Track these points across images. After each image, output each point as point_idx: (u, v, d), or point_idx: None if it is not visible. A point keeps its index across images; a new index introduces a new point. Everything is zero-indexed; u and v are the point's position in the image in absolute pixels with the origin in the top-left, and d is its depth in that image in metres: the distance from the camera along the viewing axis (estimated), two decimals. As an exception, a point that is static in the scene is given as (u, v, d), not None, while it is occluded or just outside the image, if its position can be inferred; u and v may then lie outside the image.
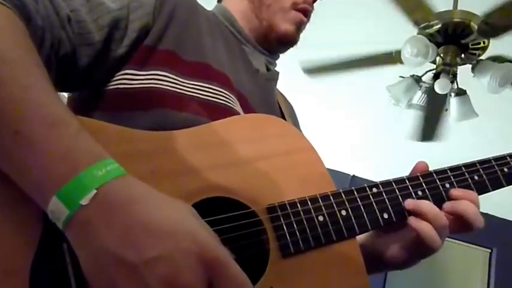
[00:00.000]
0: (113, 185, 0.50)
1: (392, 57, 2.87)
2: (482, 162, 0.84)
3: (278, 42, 0.97)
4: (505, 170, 0.84)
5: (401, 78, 2.96)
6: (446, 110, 3.10)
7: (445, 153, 3.54)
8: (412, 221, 0.76)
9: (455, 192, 0.79)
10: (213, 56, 0.84)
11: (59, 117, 0.52)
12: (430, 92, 2.98)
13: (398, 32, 2.71)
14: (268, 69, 0.99)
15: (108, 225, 0.47)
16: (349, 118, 4.11)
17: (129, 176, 0.52)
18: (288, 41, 0.98)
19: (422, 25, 2.74)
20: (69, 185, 0.48)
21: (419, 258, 0.80)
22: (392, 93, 2.94)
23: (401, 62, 2.75)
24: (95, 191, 0.48)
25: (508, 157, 0.86)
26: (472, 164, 0.84)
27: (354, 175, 4.83)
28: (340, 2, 2.99)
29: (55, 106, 0.53)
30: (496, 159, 0.85)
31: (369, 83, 3.38)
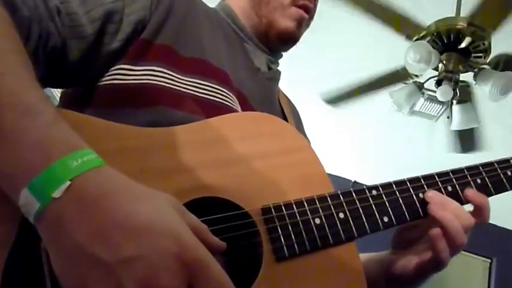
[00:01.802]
0: (89, 176, 0.46)
1: (400, 74, 2.87)
2: (485, 165, 0.81)
3: (278, 39, 0.94)
4: (509, 173, 0.82)
5: (404, 85, 2.95)
6: (448, 117, 3.08)
7: (447, 160, 3.51)
8: (436, 211, 0.73)
9: (468, 192, 0.77)
10: (213, 52, 0.81)
11: (32, 105, 0.48)
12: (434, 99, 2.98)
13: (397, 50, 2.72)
14: (269, 68, 0.96)
15: (81, 220, 0.44)
16: (352, 123, 4.09)
17: (107, 167, 0.48)
18: (288, 38, 0.94)
19: (415, 38, 2.78)
20: (41, 176, 0.45)
21: (434, 269, 0.75)
22: (394, 99, 2.93)
23: (411, 77, 2.77)
24: (69, 183, 0.44)
25: (511, 160, 0.83)
26: (474, 167, 0.81)
27: (355, 181, 4.79)
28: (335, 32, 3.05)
29: (30, 94, 0.49)
30: (499, 162, 0.83)
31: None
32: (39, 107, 0.49)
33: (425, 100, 3.34)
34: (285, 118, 0.93)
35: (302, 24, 0.95)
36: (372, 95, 3.16)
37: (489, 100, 2.80)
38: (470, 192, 0.76)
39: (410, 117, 3.34)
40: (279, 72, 0.99)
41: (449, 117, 3.05)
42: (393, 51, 2.84)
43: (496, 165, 0.82)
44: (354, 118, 4.00)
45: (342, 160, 4.47)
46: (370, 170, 4.54)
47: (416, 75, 2.79)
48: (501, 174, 0.81)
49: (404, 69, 2.78)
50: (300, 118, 1.05)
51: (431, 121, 3.67)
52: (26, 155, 0.46)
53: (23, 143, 0.46)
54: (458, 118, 2.98)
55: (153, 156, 0.64)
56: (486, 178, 0.80)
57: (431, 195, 0.75)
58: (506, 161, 0.83)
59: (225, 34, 0.89)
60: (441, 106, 3.45)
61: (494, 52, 2.76)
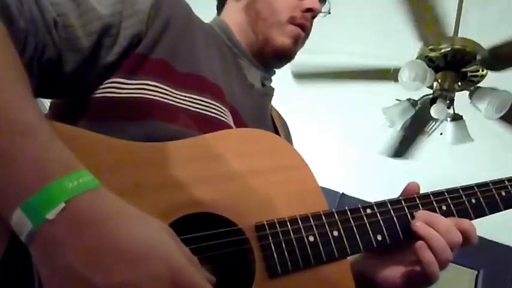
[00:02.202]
0: (84, 199, 0.45)
1: (388, 74, 2.85)
2: (480, 185, 0.82)
3: (274, 56, 0.94)
4: (503, 193, 0.82)
5: (398, 102, 2.95)
6: (441, 134, 3.09)
7: (436, 173, 3.53)
8: (421, 228, 0.73)
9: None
10: (207, 68, 0.81)
11: (29, 123, 0.48)
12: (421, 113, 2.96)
13: (400, 50, 2.72)
14: (263, 85, 0.96)
15: (75, 243, 0.43)
16: (340, 136, 4.11)
17: (103, 189, 0.48)
18: (284, 55, 0.95)
19: (430, 46, 2.73)
20: (35, 196, 0.44)
21: (424, 282, 0.74)
22: (387, 116, 2.94)
23: (395, 81, 2.74)
24: (63, 205, 0.44)
25: (506, 181, 0.83)
26: (469, 187, 0.81)
27: (343, 193, 4.82)
28: (347, 7, 2.91)
29: (27, 112, 0.49)
30: (494, 182, 0.83)
31: (362, 102, 3.38)
32: (36, 125, 0.48)
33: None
34: (277, 133, 0.93)
35: (298, 42, 0.95)
36: (354, 91, 3.10)
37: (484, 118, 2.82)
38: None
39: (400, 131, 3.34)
40: (272, 89, 0.99)
41: (442, 133, 3.06)
42: (396, 48, 2.80)
43: (491, 185, 0.82)
44: (343, 130, 4.02)
45: (330, 172, 4.48)
46: (359, 183, 4.56)
47: (397, 81, 2.70)
48: (496, 195, 0.81)
49: (396, 70, 2.74)
50: (289, 133, 1.05)
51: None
52: (21, 174, 0.45)
53: (18, 161, 0.45)
54: (452, 135, 2.99)
55: (148, 171, 0.63)
56: (481, 198, 0.80)
57: (420, 212, 0.75)
58: (501, 181, 0.83)
59: (219, 50, 0.89)
60: (434, 122, 3.47)
61: (489, 81, 2.78)
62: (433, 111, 2.75)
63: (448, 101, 2.76)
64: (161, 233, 0.48)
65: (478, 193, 0.80)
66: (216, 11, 1.05)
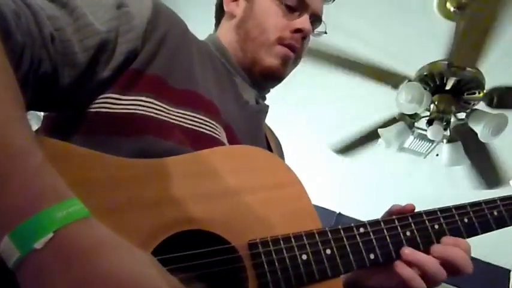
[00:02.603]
0: (73, 229, 0.44)
1: (396, 79, 2.86)
2: (472, 205, 0.82)
3: (262, 76, 0.94)
4: (495, 213, 0.82)
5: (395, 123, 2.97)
6: (437, 155, 3.10)
7: (432, 193, 3.53)
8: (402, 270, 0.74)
9: (447, 240, 0.77)
10: (202, 84, 0.81)
11: (21, 148, 0.47)
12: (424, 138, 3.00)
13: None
14: (257, 102, 0.96)
15: (63, 274, 0.42)
16: (337, 155, 4.12)
17: (92, 219, 0.47)
18: (272, 75, 0.95)
19: (399, 87, 2.79)
20: (23, 225, 0.43)
21: None
22: (384, 137, 2.94)
23: (394, 88, 2.78)
24: (52, 235, 0.43)
25: (498, 201, 0.84)
26: (462, 207, 0.81)
27: (339, 212, 4.81)
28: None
29: (19, 136, 0.48)
30: (487, 202, 0.83)
31: (359, 121, 3.41)
32: (28, 151, 0.47)
33: (414, 138, 3.37)
34: (270, 151, 0.92)
35: (287, 63, 0.95)
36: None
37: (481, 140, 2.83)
38: (436, 248, 0.77)
39: (397, 152, 3.35)
40: (266, 106, 0.99)
41: (438, 154, 3.07)
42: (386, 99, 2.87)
43: (483, 205, 0.82)
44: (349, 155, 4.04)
45: (327, 192, 4.48)
46: (355, 202, 4.56)
47: (413, 118, 2.79)
48: (488, 215, 0.81)
49: (401, 114, 2.81)
50: (282, 151, 1.04)
51: (420, 157, 3.70)
52: (11, 201, 0.44)
53: (8, 188, 0.44)
54: (447, 156, 3.00)
55: (141, 187, 0.63)
56: (473, 218, 0.80)
57: (406, 251, 0.75)
58: (494, 201, 0.83)
59: (214, 67, 0.89)
60: (430, 144, 3.48)
61: (488, 86, 2.78)
62: (430, 132, 2.77)
63: (444, 123, 2.77)
64: (148, 265, 0.47)
65: (471, 212, 0.80)
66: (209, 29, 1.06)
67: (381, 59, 2.75)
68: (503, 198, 0.84)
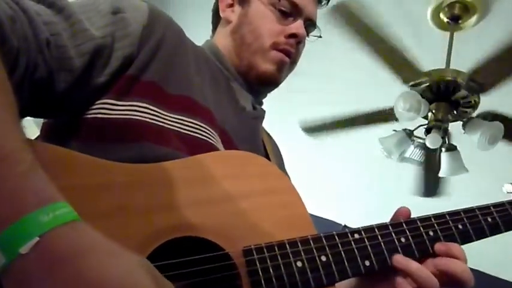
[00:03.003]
0: (59, 233, 0.44)
1: (387, 114, 2.89)
2: (466, 211, 0.82)
3: (258, 82, 0.96)
4: (489, 220, 0.82)
5: (394, 132, 2.97)
6: (436, 164, 3.10)
7: (437, 206, 3.50)
8: (402, 284, 0.72)
9: (439, 246, 0.76)
10: (198, 90, 0.82)
11: (10, 153, 0.46)
12: (424, 147, 3.00)
13: (390, 91, 2.75)
14: (254, 108, 0.97)
15: (48, 279, 0.42)
16: (343, 167, 4.11)
17: (80, 222, 0.46)
18: (267, 81, 0.96)
19: (411, 83, 2.80)
20: (9, 230, 0.42)
21: None
22: (384, 146, 2.95)
23: (396, 120, 2.79)
24: (37, 239, 0.42)
25: (491, 207, 0.84)
26: (456, 213, 0.81)
27: (345, 225, 4.77)
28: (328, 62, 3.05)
29: (9, 141, 0.47)
30: (480, 208, 0.83)
31: (362, 133, 3.41)
32: (17, 155, 0.47)
33: (415, 147, 3.37)
34: (267, 157, 0.93)
35: (283, 68, 0.96)
36: (356, 131, 3.17)
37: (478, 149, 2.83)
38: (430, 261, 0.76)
39: (401, 163, 3.35)
40: (263, 111, 1.00)
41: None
42: (386, 91, 2.86)
43: (477, 211, 0.82)
44: (345, 162, 4.03)
45: (333, 204, 4.46)
46: (360, 214, 4.54)
47: (397, 120, 2.78)
48: (482, 221, 0.81)
49: (391, 109, 2.78)
50: (281, 156, 1.05)
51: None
52: None
53: None
54: (446, 166, 2.99)
55: (136, 193, 0.63)
56: (468, 224, 0.80)
57: (398, 259, 0.74)
58: (487, 207, 0.83)
59: (211, 73, 0.90)
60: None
61: (482, 107, 2.81)
62: (428, 141, 2.76)
63: (442, 131, 2.77)
64: (137, 269, 0.46)
65: (465, 219, 0.80)
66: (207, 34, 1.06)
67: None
68: (496, 205, 0.84)
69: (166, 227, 0.62)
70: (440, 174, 3.06)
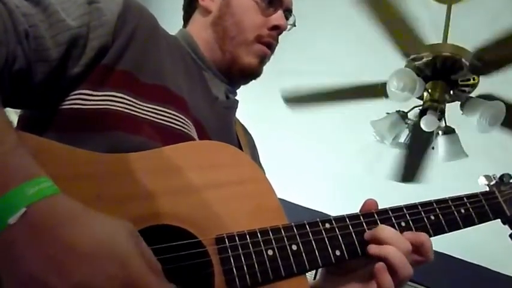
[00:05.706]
0: (43, 204, 0.51)
1: (377, 90, 2.89)
2: (439, 201, 0.88)
3: (241, 75, 1.03)
4: (462, 211, 0.88)
5: (387, 114, 2.97)
6: (433, 148, 3.08)
7: (429, 195, 3.57)
8: (374, 249, 0.78)
9: (407, 235, 0.81)
10: (172, 79, 0.88)
11: None
12: (415, 129, 2.99)
13: (386, 64, 2.75)
14: (227, 97, 1.03)
15: (32, 247, 0.49)
16: (331, 157, 4.15)
17: (63, 195, 0.54)
18: (250, 74, 1.04)
19: (412, 56, 2.76)
20: None
21: None
22: (376, 130, 2.95)
23: (386, 96, 2.78)
24: (24, 209, 0.49)
25: (465, 198, 0.90)
26: (428, 203, 0.87)
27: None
28: (326, 28, 3.06)
29: None
30: (453, 199, 0.89)
31: (353, 118, 3.42)
32: (1, 133, 0.54)
33: (409, 131, 3.39)
34: (240, 147, 1.00)
35: (265, 60, 1.04)
36: (345, 107, 3.17)
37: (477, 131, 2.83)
38: (409, 234, 0.82)
39: (393, 148, 3.36)
40: (236, 102, 1.07)
41: (434, 148, 3.06)
42: (382, 65, 2.84)
43: (450, 202, 0.88)
44: (337, 152, 4.10)
45: (321, 195, 4.50)
46: (349, 205, 4.58)
47: (387, 96, 2.75)
48: (455, 212, 0.87)
49: (383, 85, 2.78)
50: (255, 147, 1.12)
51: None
52: None
53: None
54: (444, 150, 2.97)
55: (110, 182, 0.69)
56: (440, 215, 0.86)
57: (367, 234, 0.80)
58: (460, 198, 0.90)
59: (184, 62, 0.96)
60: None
61: (481, 89, 2.81)
62: (423, 123, 2.75)
63: (439, 113, 2.76)
64: (120, 233, 0.54)
65: (437, 209, 0.86)
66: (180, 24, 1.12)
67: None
68: (469, 196, 0.90)
69: (140, 215, 0.68)
70: (440, 160, 3.03)
